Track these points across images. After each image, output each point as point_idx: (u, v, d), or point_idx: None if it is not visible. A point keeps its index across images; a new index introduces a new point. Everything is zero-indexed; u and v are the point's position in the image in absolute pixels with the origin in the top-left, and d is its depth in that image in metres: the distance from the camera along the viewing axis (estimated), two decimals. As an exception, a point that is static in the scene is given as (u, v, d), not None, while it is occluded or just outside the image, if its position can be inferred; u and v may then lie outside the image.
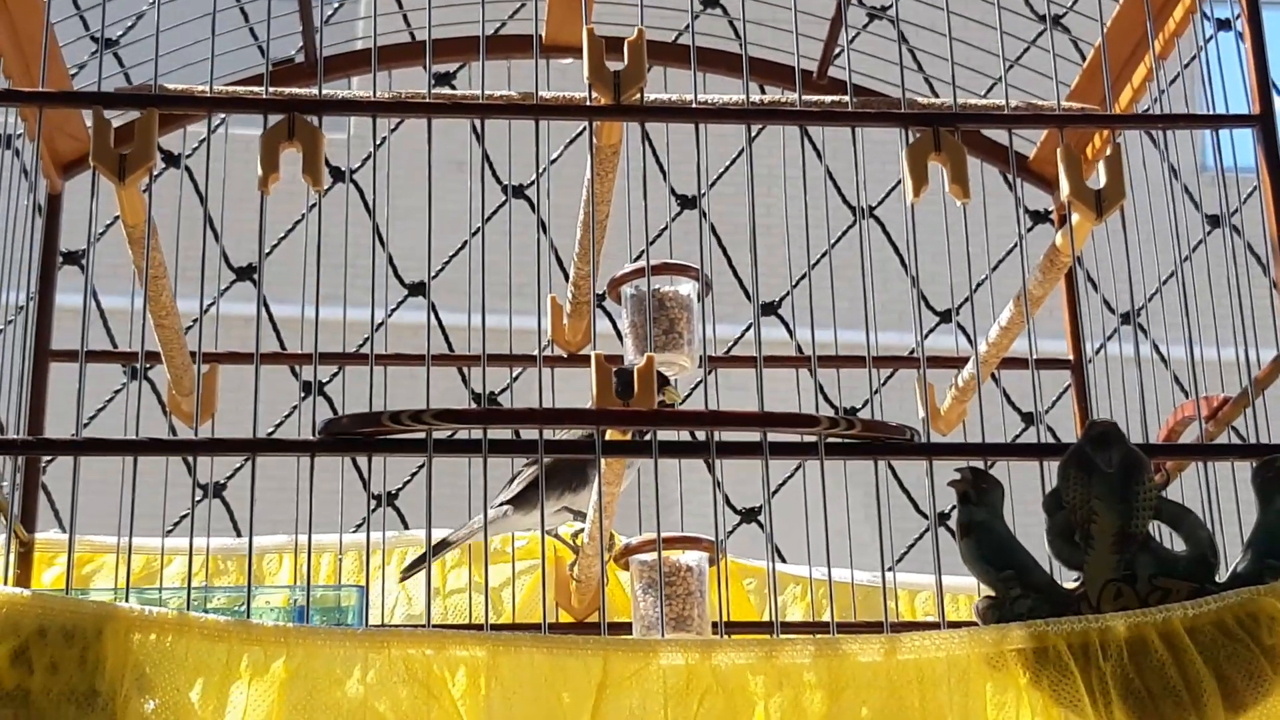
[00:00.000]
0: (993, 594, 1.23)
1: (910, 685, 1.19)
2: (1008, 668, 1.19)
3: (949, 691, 1.19)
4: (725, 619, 1.54)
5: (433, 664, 1.18)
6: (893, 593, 1.66)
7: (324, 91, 1.34)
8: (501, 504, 1.64)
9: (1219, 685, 1.18)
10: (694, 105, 1.37)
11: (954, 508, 1.66)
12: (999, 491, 1.26)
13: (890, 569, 1.50)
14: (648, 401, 1.27)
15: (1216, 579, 1.23)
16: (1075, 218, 1.39)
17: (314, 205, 1.40)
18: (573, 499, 1.62)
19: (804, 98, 1.42)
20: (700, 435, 1.30)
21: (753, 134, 1.40)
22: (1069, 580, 1.25)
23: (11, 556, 1.42)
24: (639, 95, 1.34)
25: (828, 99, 1.61)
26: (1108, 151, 1.34)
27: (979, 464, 1.27)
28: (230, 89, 1.48)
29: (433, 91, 1.36)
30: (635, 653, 1.19)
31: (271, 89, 1.43)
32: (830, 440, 1.27)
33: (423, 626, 1.22)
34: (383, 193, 1.40)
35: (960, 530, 1.25)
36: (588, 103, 1.35)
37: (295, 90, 1.47)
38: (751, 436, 1.27)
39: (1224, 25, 1.68)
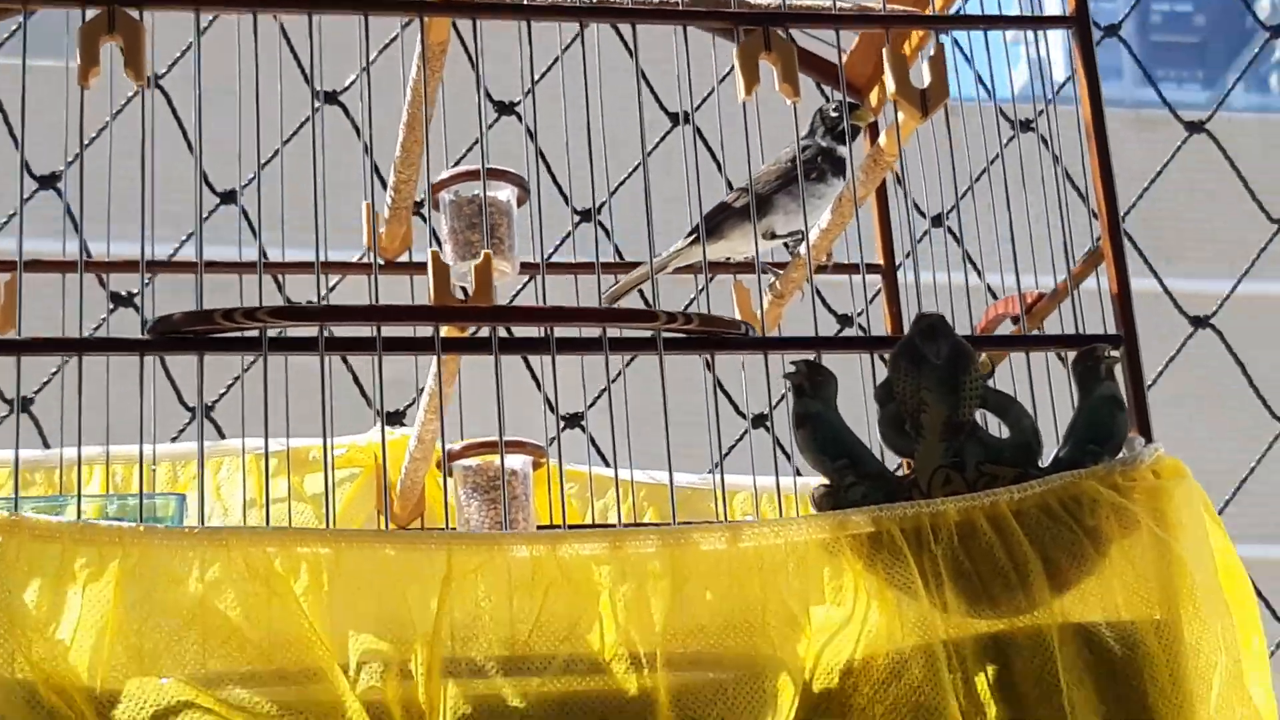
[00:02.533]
0: (829, 483, 1.26)
1: (752, 572, 1.21)
2: (844, 553, 1.22)
3: (788, 577, 1.21)
4: (554, 522, 1.54)
5: (274, 561, 1.16)
6: (715, 494, 1.68)
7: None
8: (689, 236, 1.61)
9: (1044, 565, 1.23)
10: (525, 2, 1.37)
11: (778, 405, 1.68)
12: (833, 384, 1.28)
13: (716, 467, 1.51)
14: (486, 298, 1.26)
15: (1040, 464, 1.28)
16: (900, 116, 1.42)
17: (125, 104, 1.36)
18: (764, 225, 1.61)
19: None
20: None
21: (575, 36, 1.40)
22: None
23: None
24: (469, -10, 1.32)
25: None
26: (930, 51, 1.37)
27: (812, 357, 1.29)
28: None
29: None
30: (480, 546, 1.20)
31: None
32: (667, 336, 1.28)
33: (261, 528, 1.20)
34: (193, 94, 1.36)
35: (796, 421, 1.27)
36: (417, -2, 1.33)
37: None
38: (591, 332, 1.28)
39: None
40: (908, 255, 1.78)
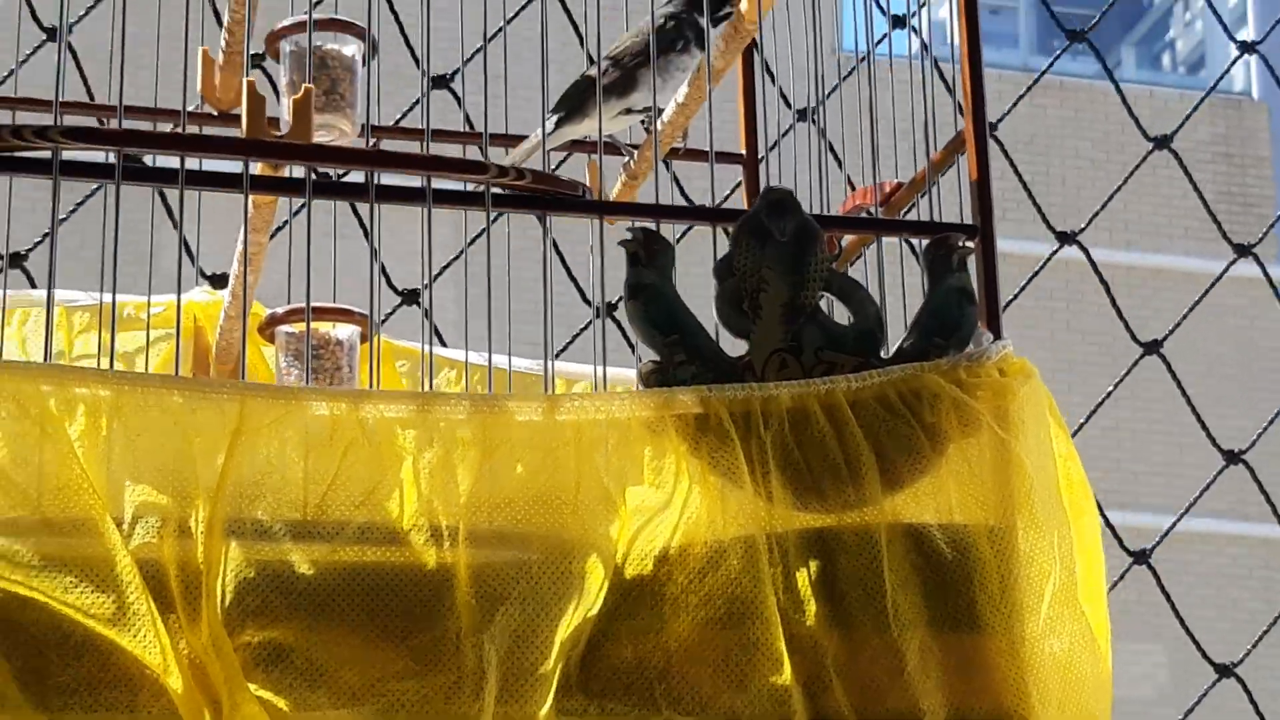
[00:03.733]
0: (657, 359, 1.18)
1: (568, 446, 1.13)
2: (668, 434, 1.15)
3: (606, 454, 1.14)
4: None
5: (49, 401, 1.07)
6: (552, 380, 1.60)
7: None
8: (553, 115, 1.51)
9: (878, 461, 1.16)
10: None
11: (620, 299, 1.60)
12: (670, 254, 1.21)
13: (556, 357, 1.43)
14: (304, 135, 1.17)
15: (882, 355, 1.21)
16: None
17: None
18: (627, 102, 1.52)
19: None
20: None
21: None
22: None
23: None
24: None
25: None
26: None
27: (651, 225, 1.22)
28: None
29: None
30: (276, 400, 1.11)
31: None
32: (498, 192, 1.20)
33: (35, 363, 1.11)
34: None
35: (628, 292, 1.19)
36: None
37: None
38: (415, 183, 1.19)
39: None
40: (772, 147, 1.70)
